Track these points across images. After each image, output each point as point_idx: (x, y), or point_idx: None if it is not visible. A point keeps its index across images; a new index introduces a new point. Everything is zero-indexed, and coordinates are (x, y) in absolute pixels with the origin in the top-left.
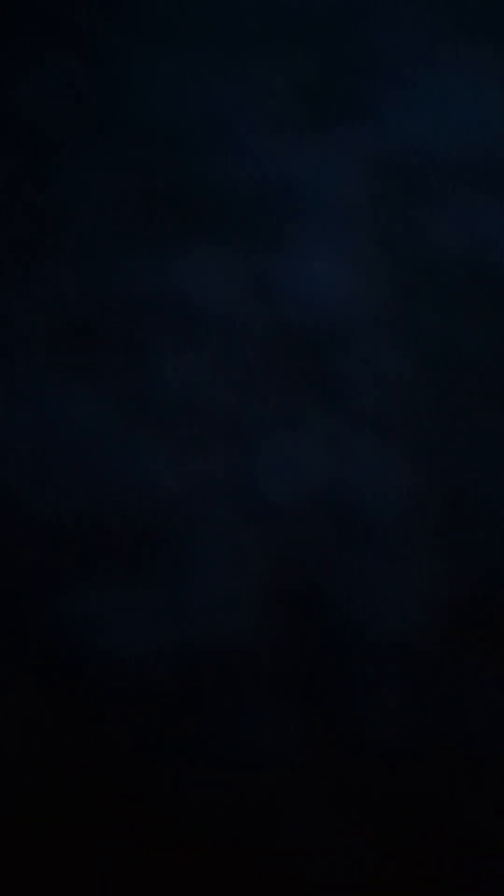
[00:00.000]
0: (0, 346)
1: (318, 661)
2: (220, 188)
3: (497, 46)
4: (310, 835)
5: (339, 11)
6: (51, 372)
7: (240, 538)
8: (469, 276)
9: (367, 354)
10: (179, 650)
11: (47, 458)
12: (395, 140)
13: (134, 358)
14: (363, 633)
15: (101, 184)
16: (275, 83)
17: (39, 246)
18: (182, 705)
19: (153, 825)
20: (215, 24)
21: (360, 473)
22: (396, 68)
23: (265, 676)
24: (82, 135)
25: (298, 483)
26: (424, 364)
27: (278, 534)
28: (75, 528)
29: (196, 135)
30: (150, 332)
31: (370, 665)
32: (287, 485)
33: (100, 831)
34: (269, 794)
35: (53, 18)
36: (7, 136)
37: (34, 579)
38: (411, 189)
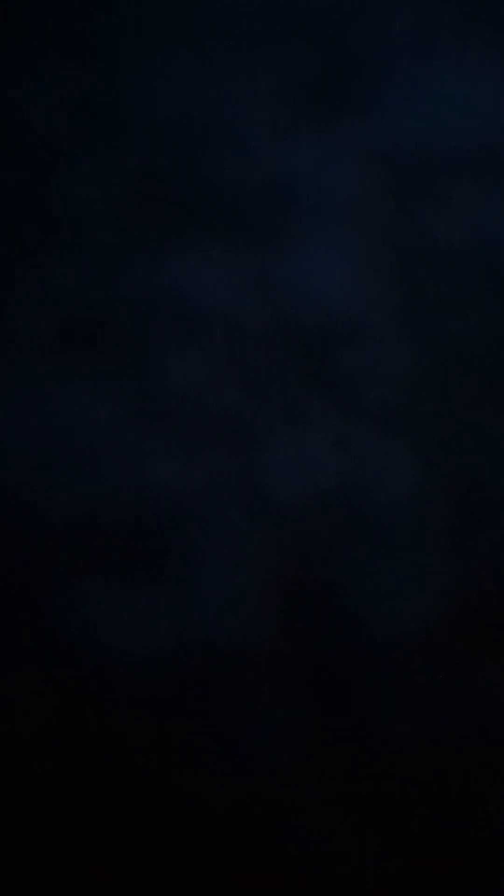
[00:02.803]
0: (4, 346)
1: (326, 659)
2: (221, 187)
3: (496, 39)
4: (320, 833)
5: (337, 7)
6: (56, 373)
7: (246, 537)
8: (473, 271)
9: (372, 351)
10: (187, 649)
11: (53, 458)
12: (396, 135)
13: (138, 358)
14: (371, 630)
15: (103, 184)
16: (274, 81)
17: (41, 248)
18: (189, 703)
19: (160, 823)
20: (214, 23)
21: (366, 471)
22: (396, 63)
23: (273, 674)
24: (82, 135)
25: (305, 481)
26: (429, 360)
27: (285, 532)
28: (82, 528)
29: (196, 134)
30: (155, 333)
31: (378, 662)
32: (293, 483)
33: (106, 830)
34: (279, 792)
35: (53, 19)
36: (7, 137)
37: (41, 578)
38: (413, 184)
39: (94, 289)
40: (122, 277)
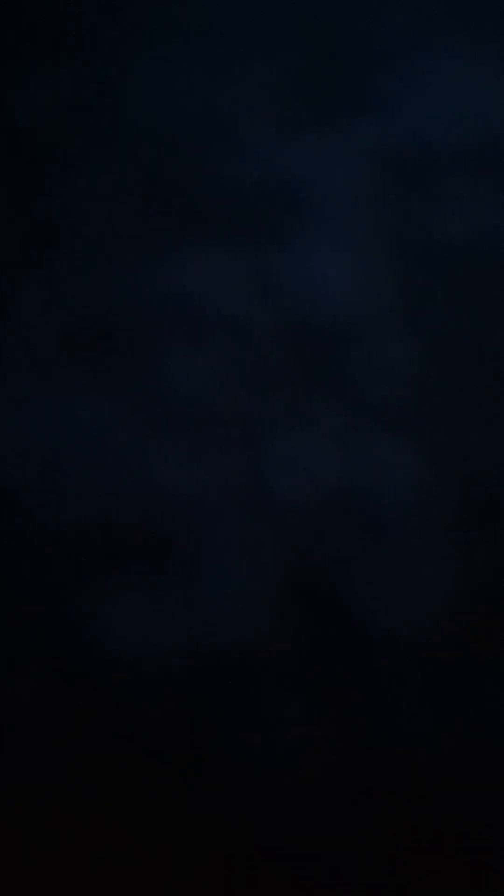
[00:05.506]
0: (8, 351)
1: (335, 658)
2: (222, 187)
3: (496, 35)
4: (330, 833)
5: (336, 6)
6: (59, 377)
7: (253, 537)
8: (475, 267)
9: (375, 349)
10: (195, 650)
11: (59, 462)
12: (396, 132)
13: (142, 360)
14: (379, 628)
15: (104, 186)
16: (274, 80)
17: (43, 251)
18: (199, 705)
19: (169, 823)
20: (213, 23)
21: (371, 469)
22: (396, 60)
23: (282, 675)
24: (82, 137)
25: (310, 481)
26: (433, 357)
27: (291, 532)
28: (89, 531)
29: (197, 134)
30: (158, 335)
31: (387, 661)
32: (299, 483)
33: (115, 830)
34: (289, 793)
35: (51, 20)
36: (7, 139)
37: (50, 582)
38: (414, 181)
39: (98, 292)
40: (125, 280)
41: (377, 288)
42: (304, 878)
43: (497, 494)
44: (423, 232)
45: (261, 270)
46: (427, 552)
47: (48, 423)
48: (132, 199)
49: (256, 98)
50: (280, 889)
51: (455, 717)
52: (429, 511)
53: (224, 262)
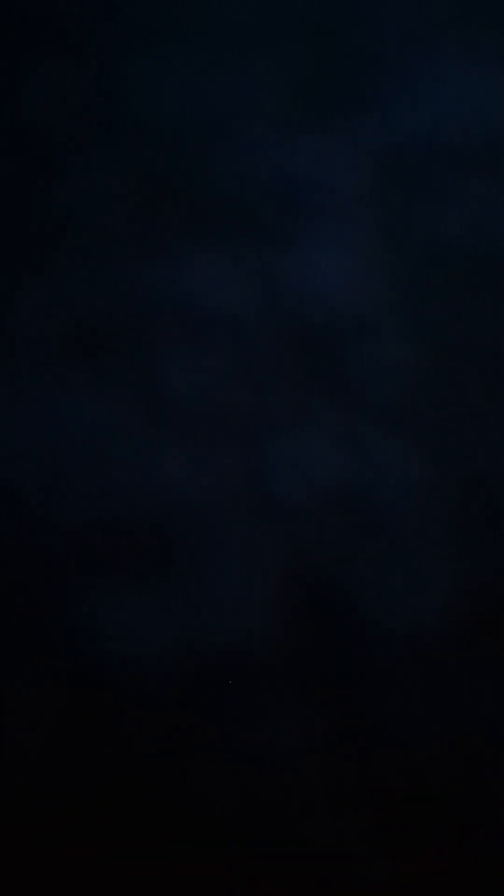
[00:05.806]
0: (10, 351)
1: (336, 657)
2: (223, 187)
3: (496, 35)
4: (330, 831)
5: (335, 5)
6: (62, 376)
7: (254, 537)
8: (476, 266)
9: (377, 349)
10: (196, 650)
11: (61, 462)
12: (398, 131)
13: (144, 360)
14: (380, 628)
15: (105, 186)
16: (276, 79)
17: (45, 251)
18: (199, 703)
19: (170, 822)
20: (213, 22)
21: (373, 468)
22: (397, 59)
23: (283, 674)
24: (84, 137)
25: (312, 480)
26: (433, 357)
27: (293, 532)
28: (90, 531)
29: (198, 133)
30: (160, 334)
31: (387, 660)
32: (300, 482)
33: (116, 828)
34: (289, 792)
35: (52, 20)
36: (8, 139)
37: (51, 582)
38: (416, 180)
39: (99, 292)
40: (127, 279)
41: (377, 288)
42: (304, 876)
43: (497, 494)
44: (424, 230)
45: (261, 270)
46: (427, 552)
47: (48, 423)
48: (132, 198)
49: (257, 97)
50: (279, 888)
51: (455, 717)
52: (429, 511)
53: (224, 261)
